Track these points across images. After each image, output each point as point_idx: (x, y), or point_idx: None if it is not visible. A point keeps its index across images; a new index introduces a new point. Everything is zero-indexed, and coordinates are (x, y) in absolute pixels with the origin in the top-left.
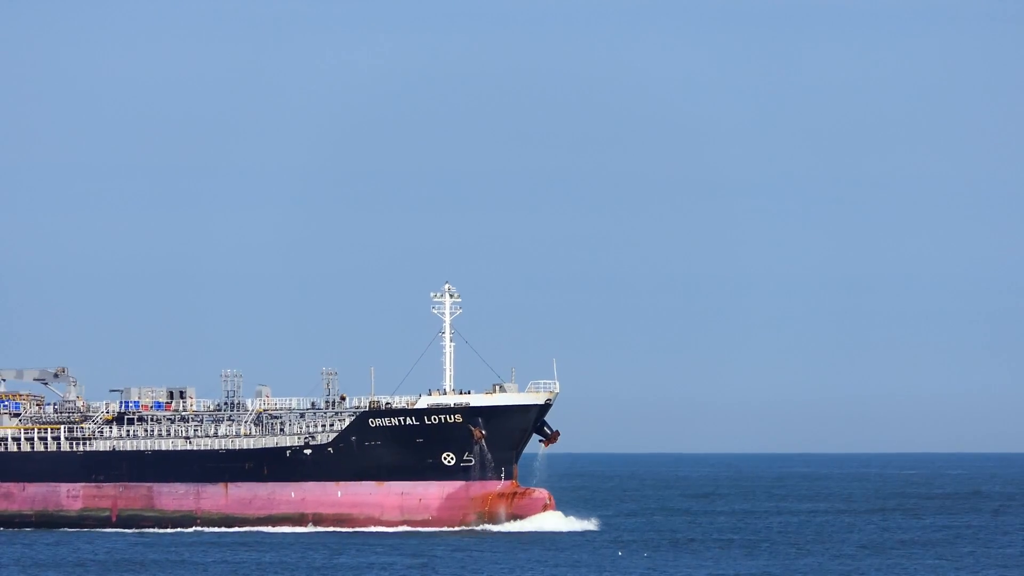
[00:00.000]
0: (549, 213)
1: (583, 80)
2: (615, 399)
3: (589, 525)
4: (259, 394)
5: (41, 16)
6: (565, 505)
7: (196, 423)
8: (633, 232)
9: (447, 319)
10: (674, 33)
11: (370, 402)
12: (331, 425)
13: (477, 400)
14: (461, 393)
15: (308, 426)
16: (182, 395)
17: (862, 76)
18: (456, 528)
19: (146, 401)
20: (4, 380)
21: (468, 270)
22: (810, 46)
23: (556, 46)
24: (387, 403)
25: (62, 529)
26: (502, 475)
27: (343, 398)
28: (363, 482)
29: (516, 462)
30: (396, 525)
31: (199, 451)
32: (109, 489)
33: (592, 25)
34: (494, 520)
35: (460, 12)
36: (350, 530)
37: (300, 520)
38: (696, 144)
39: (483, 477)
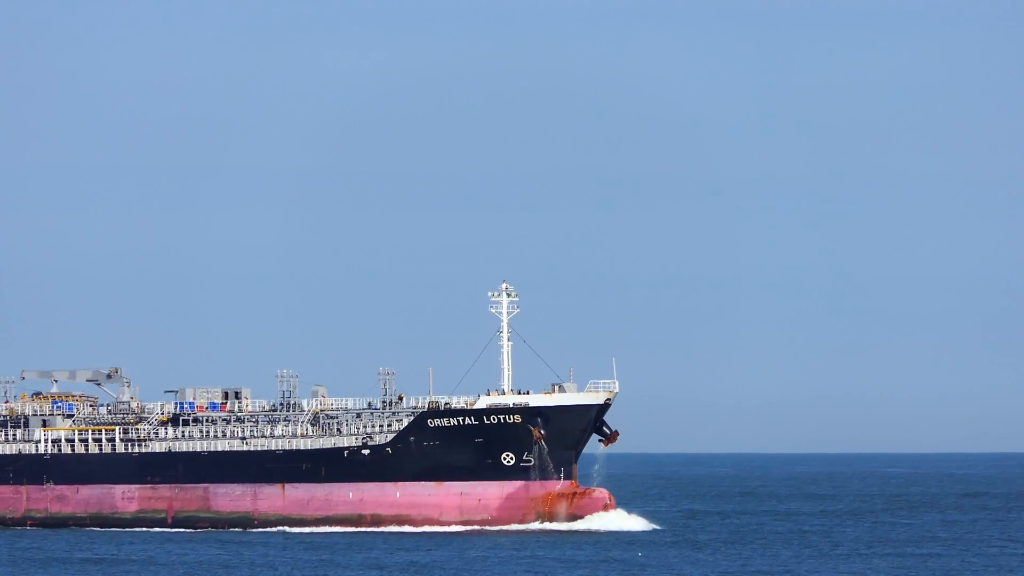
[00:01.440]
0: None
1: (584, 80)
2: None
3: (650, 524)
4: (315, 394)
5: (41, 16)
6: (624, 504)
7: (252, 424)
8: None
9: (504, 318)
10: (675, 33)
11: (429, 402)
12: (389, 425)
13: (536, 400)
14: (519, 393)
15: (365, 426)
16: (237, 396)
17: (862, 76)
18: (517, 527)
19: (201, 402)
20: (56, 381)
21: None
22: (810, 46)
23: (556, 46)
24: (446, 403)
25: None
26: (562, 475)
27: (400, 398)
28: (422, 482)
29: (576, 462)
30: (455, 525)
31: (256, 452)
32: (165, 491)
33: (593, 25)
34: (554, 520)
35: (461, 12)
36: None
37: (358, 521)
38: (699, 143)
39: (543, 477)
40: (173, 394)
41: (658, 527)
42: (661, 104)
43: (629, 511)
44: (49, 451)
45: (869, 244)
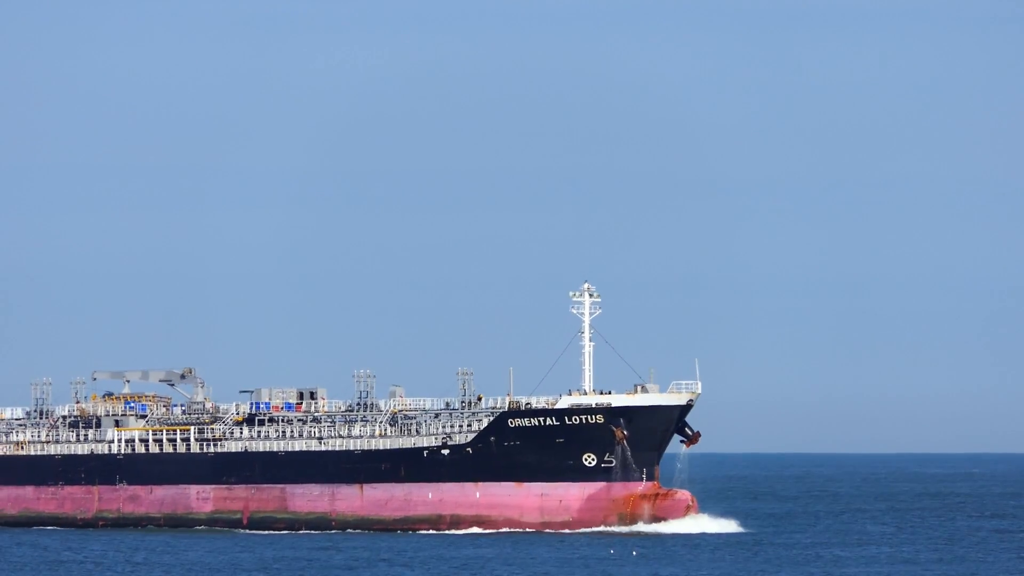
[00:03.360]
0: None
1: (589, 80)
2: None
3: (732, 527)
4: (393, 394)
5: (41, 17)
6: (706, 506)
7: (328, 424)
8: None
9: (586, 319)
10: (676, 33)
11: (509, 402)
12: (468, 425)
13: (619, 400)
14: (601, 393)
15: (444, 426)
16: (312, 396)
17: (862, 76)
18: (598, 529)
19: (277, 402)
20: (129, 381)
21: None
22: (810, 46)
23: (555, 46)
24: (527, 403)
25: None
26: (644, 476)
27: (480, 398)
28: (502, 483)
29: (658, 463)
30: (535, 527)
31: (334, 452)
32: (240, 491)
33: (596, 25)
34: (637, 522)
35: (461, 12)
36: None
37: (437, 521)
38: (700, 143)
39: (625, 478)
40: (248, 394)
41: (749, 529)
42: (670, 104)
43: (710, 514)
44: (122, 451)
45: (869, 244)
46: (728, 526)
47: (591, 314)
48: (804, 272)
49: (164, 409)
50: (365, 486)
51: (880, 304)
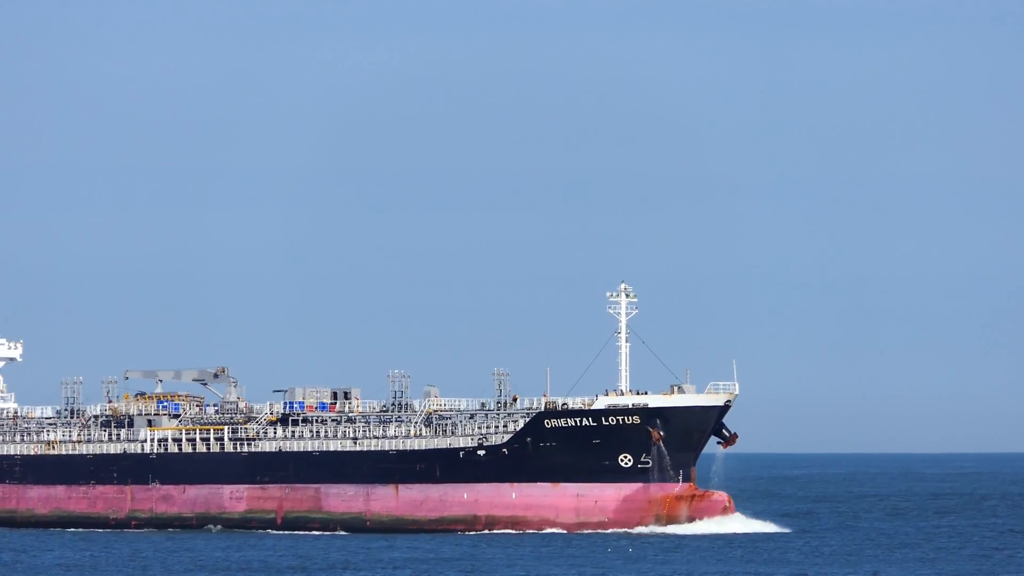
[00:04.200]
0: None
1: (592, 80)
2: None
3: (770, 527)
4: (427, 395)
5: (41, 17)
6: (741, 506)
7: (363, 424)
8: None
9: (623, 319)
10: (677, 32)
11: (546, 403)
12: (504, 426)
13: (656, 401)
14: (637, 394)
15: (480, 427)
16: (346, 396)
17: (862, 76)
18: (634, 530)
19: (311, 402)
20: (161, 381)
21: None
22: (811, 46)
23: (556, 46)
24: (563, 404)
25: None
26: (680, 477)
27: (515, 399)
28: (538, 483)
29: (694, 464)
30: (571, 527)
31: (370, 452)
32: (274, 491)
33: (596, 25)
34: (674, 523)
35: (461, 12)
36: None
37: (472, 522)
38: (700, 143)
39: (661, 479)
40: (281, 394)
41: (786, 529)
42: (668, 104)
43: (747, 515)
44: (156, 451)
45: (870, 244)
46: (765, 526)
47: (628, 314)
48: (800, 271)
49: (197, 409)
50: (400, 486)
51: (880, 304)
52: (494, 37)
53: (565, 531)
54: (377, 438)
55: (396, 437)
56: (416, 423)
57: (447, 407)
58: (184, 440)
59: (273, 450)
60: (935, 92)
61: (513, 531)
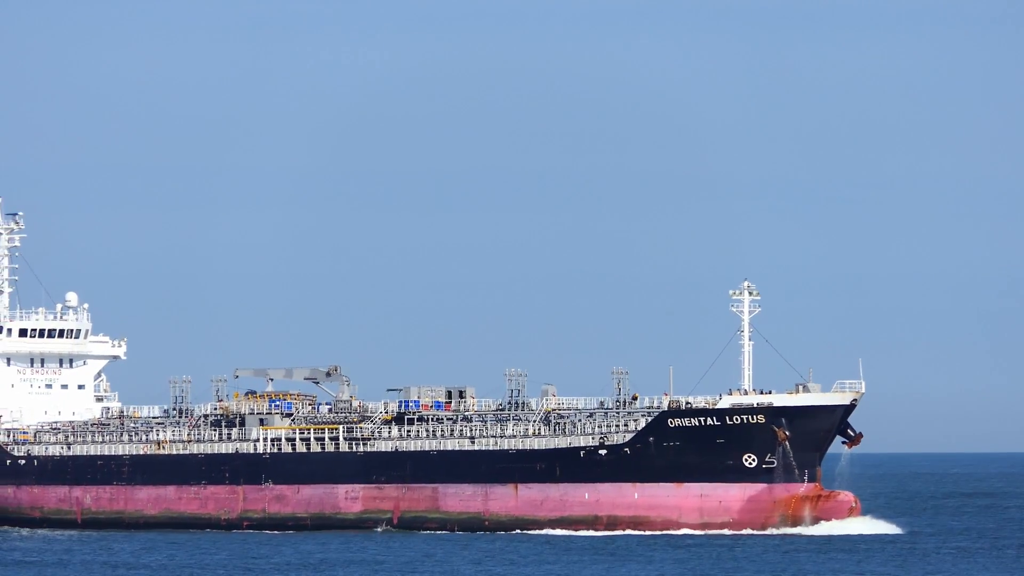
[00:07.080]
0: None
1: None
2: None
3: (897, 529)
4: (545, 393)
5: (41, 17)
6: (867, 507)
7: (479, 423)
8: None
9: (746, 318)
10: (677, 32)
11: (669, 402)
12: (625, 425)
13: (781, 400)
14: (760, 393)
15: (600, 426)
16: (461, 395)
17: (862, 76)
18: (759, 531)
19: (426, 400)
20: (272, 380)
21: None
22: (811, 46)
23: (556, 45)
24: (687, 403)
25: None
26: (805, 477)
27: (635, 398)
28: (660, 483)
29: (819, 464)
30: (694, 528)
31: (488, 451)
32: (391, 490)
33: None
34: (799, 524)
35: (462, 12)
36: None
37: (593, 522)
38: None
39: (786, 479)
40: (396, 392)
41: (910, 530)
42: (665, 104)
43: (873, 516)
44: (269, 450)
45: (869, 244)
46: (891, 528)
47: (751, 313)
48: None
49: (310, 408)
50: (520, 486)
51: (881, 303)
52: (494, 37)
53: (691, 531)
54: (495, 437)
55: (515, 436)
56: (534, 422)
57: (565, 406)
58: (298, 439)
59: (389, 450)
60: (933, 92)
61: (635, 531)
